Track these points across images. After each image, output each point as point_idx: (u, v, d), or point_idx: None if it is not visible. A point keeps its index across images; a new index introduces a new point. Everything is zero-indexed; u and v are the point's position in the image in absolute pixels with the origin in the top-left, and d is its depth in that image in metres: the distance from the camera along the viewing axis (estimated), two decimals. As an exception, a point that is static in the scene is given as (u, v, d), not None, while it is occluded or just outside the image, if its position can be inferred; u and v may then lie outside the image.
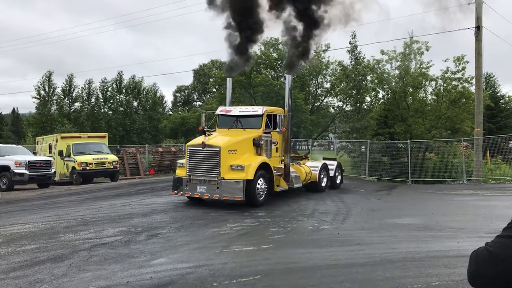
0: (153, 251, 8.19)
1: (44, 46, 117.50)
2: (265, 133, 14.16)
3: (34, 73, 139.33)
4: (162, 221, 11.20)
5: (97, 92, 53.64)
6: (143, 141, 47.73)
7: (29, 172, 20.70)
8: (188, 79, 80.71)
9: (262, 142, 13.90)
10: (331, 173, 18.13)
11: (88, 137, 27.18)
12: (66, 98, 52.58)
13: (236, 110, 15.06)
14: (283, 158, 15.13)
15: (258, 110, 14.66)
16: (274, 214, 12.41)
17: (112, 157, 24.61)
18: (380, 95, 29.68)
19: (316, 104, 39.74)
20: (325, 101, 40.43)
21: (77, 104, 53.23)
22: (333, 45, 47.36)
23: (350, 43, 28.78)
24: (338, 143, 30.35)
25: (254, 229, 10.37)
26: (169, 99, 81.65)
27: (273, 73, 38.06)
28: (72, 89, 52.72)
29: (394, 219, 11.79)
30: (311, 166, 17.18)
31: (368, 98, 30.34)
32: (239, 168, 12.85)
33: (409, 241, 9.08)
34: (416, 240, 9.17)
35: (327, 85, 38.84)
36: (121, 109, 53.26)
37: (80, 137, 26.85)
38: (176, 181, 14.03)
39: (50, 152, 26.22)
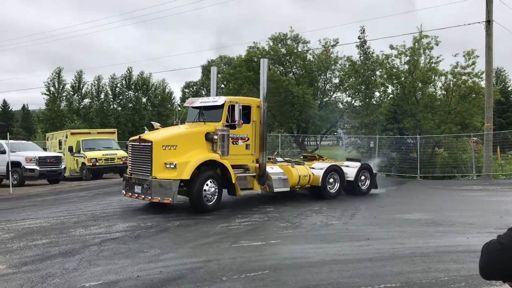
0: (162, 246, 8.26)
1: (54, 43, 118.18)
2: (226, 126, 12.14)
3: (44, 70, 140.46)
4: (171, 216, 11.27)
5: (106, 89, 53.90)
6: (152, 137, 47.83)
7: (40, 168, 20.89)
8: (196, 75, 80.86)
9: (215, 137, 11.86)
10: (350, 177, 15.04)
11: (98, 133, 27.35)
12: (76, 95, 52.84)
13: (198, 101, 13.30)
14: (258, 156, 13.10)
15: (218, 100, 12.67)
16: (283, 209, 12.45)
17: (122, 153, 24.73)
18: (390, 90, 29.51)
19: (324, 100, 39.57)
20: (333, 96, 40.28)
21: (86, 101, 53.49)
22: (342, 40, 47.13)
23: (359, 38, 28.66)
24: (347, 139, 30.26)
25: (262, 224, 10.41)
26: (177, 95, 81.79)
27: (281, 68, 37.95)
28: (82, 85, 52.96)
29: (403, 215, 11.77)
30: (315, 168, 14.56)
31: (377, 93, 30.20)
32: (171, 166, 11.16)
33: (418, 237, 9.07)
34: (425, 236, 9.15)
35: (336, 81, 38.65)
36: (130, 105, 53.51)
37: (89, 133, 27.03)
38: (124, 180, 12.73)
39: (60, 148, 26.44)
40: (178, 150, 11.47)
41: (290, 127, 36.09)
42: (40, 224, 10.44)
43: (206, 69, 71.75)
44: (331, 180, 14.61)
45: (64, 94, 52.37)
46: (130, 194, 12.12)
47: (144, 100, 55.32)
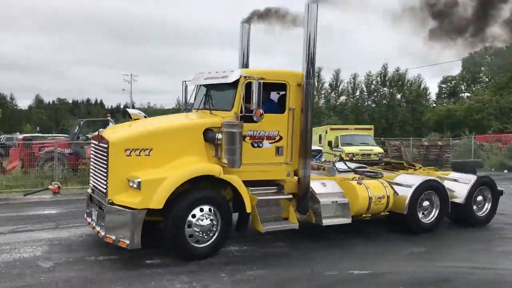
0: (435, 247, 8.24)
1: (321, 42, 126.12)
2: (241, 117, 7.45)
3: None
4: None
5: (361, 86, 55.52)
6: (405, 134, 47.18)
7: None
8: (455, 69, 75.30)
9: (219, 137, 7.31)
10: (458, 198, 9.75)
11: (355, 129, 28.47)
12: (333, 92, 56.07)
13: (202, 77, 8.60)
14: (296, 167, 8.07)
15: (230, 75, 7.76)
16: None
17: (378, 149, 25.09)
18: None
19: None
20: None
21: (342, 98, 56.22)
22: None
23: None
24: None
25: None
26: (433, 90, 78.09)
27: None
28: (338, 83, 55.89)
29: None
30: (400, 183, 9.23)
31: None
32: (134, 185, 6.77)
33: None
34: None
35: None
36: (384, 102, 53.83)
37: (347, 129, 28.36)
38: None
39: (320, 142, 28.46)
40: (154, 156, 7.11)
41: None
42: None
43: (467, 63, 66.38)
44: (426, 203, 9.26)
45: (322, 92, 56.20)
46: (89, 220, 7.91)
47: (398, 96, 54.85)
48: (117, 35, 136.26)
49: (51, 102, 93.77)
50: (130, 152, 6.96)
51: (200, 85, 8.70)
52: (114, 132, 7.55)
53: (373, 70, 57.97)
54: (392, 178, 9.46)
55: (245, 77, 7.49)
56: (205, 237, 7.03)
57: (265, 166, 7.82)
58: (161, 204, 6.69)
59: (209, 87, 8.44)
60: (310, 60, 7.92)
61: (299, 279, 6.29)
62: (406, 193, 8.94)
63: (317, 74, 56.28)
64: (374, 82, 54.91)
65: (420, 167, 10.72)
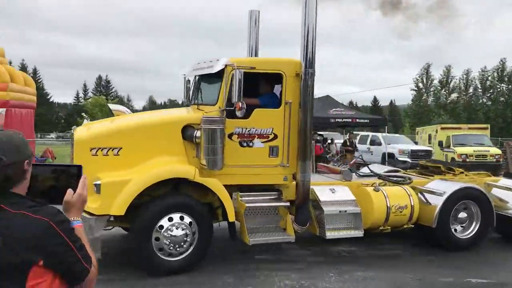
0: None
1: (425, 39, 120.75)
2: (228, 112, 6.50)
3: (413, 67, 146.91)
4: None
5: (475, 82, 51.89)
6: (525, 133, 43.24)
7: (411, 160, 21.96)
8: None
9: (198, 135, 6.38)
10: (509, 210, 8.02)
11: (469, 128, 26.69)
12: (443, 89, 53.07)
13: (192, 69, 7.83)
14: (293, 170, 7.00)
15: (215, 65, 6.82)
16: None
17: (495, 150, 23.26)
18: None
19: None
20: None
21: (453, 95, 53.02)
22: None
23: None
24: None
25: None
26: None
27: None
28: (449, 80, 52.78)
29: None
30: (431, 190, 7.77)
31: None
32: (94, 188, 5.91)
33: None
34: None
35: None
36: (501, 99, 49.73)
37: (460, 128, 26.71)
38: None
39: (429, 142, 27.13)
40: (123, 156, 6.32)
41: None
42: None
43: None
44: (462, 215, 7.74)
45: (431, 89, 53.51)
46: None
47: (518, 93, 50.44)
48: (220, 38, 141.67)
49: (162, 103, 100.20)
50: (96, 151, 6.23)
51: (196, 77, 7.69)
52: (87, 130, 6.86)
53: (489, 66, 53.82)
54: (423, 184, 8.06)
55: (233, 66, 6.39)
56: (178, 249, 6.12)
57: (257, 168, 6.79)
58: (122, 211, 5.87)
59: (200, 79, 7.59)
60: (311, 49, 6.70)
61: (411, 283, 6.11)
62: (436, 202, 7.51)
63: (425, 71, 53.65)
64: (490, 78, 50.92)
65: (462, 172, 8.99)
